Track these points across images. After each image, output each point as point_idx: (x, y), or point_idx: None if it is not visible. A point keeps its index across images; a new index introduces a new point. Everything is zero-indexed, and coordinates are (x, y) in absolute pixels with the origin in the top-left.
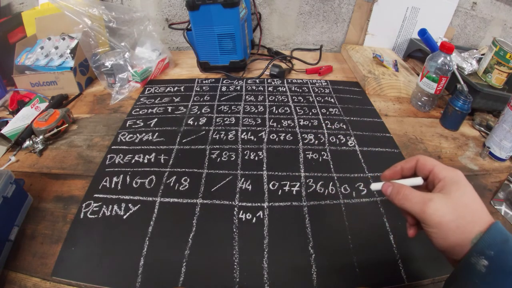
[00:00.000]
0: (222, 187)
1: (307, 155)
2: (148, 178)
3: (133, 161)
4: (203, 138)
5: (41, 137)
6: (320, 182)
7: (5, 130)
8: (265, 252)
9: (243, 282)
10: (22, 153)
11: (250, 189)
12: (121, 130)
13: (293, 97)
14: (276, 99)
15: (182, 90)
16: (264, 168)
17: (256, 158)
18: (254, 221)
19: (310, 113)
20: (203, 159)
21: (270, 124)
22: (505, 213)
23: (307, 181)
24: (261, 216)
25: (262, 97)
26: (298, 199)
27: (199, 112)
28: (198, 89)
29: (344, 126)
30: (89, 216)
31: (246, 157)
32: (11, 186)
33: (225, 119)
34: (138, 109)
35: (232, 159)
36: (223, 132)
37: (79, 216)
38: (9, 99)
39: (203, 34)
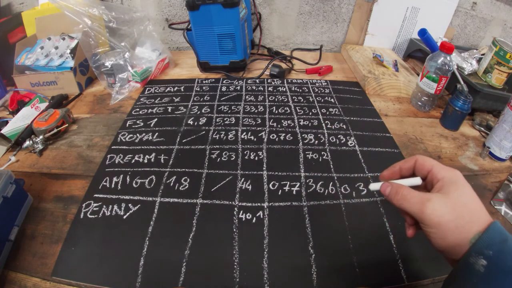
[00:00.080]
0: (222, 187)
1: (307, 155)
2: (148, 178)
3: (133, 161)
4: (203, 138)
5: (41, 137)
6: (320, 182)
7: (5, 130)
8: (265, 252)
9: (243, 282)
10: (22, 153)
11: (250, 189)
12: (121, 130)
13: (293, 97)
14: (276, 99)
15: (182, 90)
16: (264, 168)
17: (256, 158)
18: (254, 221)
19: (310, 113)
20: (203, 159)
21: (270, 124)
22: (505, 213)
23: (307, 181)
24: (261, 216)
25: (262, 97)
26: (298, 199)
27: (199, 112)
28: (198, 89)
29: (344, 126)
30: (89, 216)
31: (246, 157)
32: (11, 186)
33: (225, 119)
34: (138, 109)
35: (232, 159)
36: (223, 132)
37: (79, 216)
38: (9, 99)
39: (203, 34)
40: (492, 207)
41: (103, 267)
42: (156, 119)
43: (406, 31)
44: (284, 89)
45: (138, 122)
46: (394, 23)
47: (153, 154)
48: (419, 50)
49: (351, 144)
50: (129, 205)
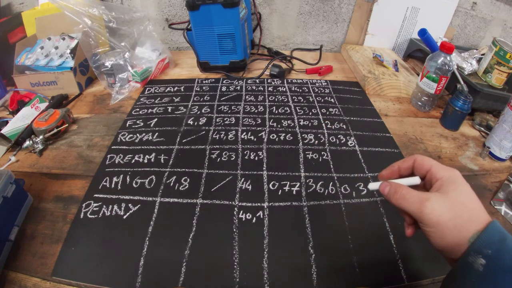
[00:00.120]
0: (222, 187)
1: (307, 155)
2: (148, 178)
3: (133, 161)
4: (203, 138)
5: (41, 137)
6: (320, 182)
7: (5, 130)
8: (265, 252)
9: (243, 282)
10: (22, 153)
11: (250, 189)
12: (121, 130)
13: (293, 97)
14: (276, 99)
15: (182, 90)
16: (264, 168)
17: (256, 158)
18: (254, 221)
19: (310, 113)
20: (203, 159)
21: (270, 124)
22: (505, 213)
23: (307, 181)
24: (261, 216)
25: (262, 97)
26: (298, 199)
27: (199, 112)
28: (198, 89)
29: (344, 126)
30: (89, 216)
31: (246, 157)
32: (11, 186)
33: (225, 119)
34: (138, 109)
35: (232, 159)
36: (223, 132)
37: (79, 216)
38: (9, 99)
39: (203, 34)
40: (492, 207)
41: (103, 267)
42: (156, 119)
43: (406, 31)
44: (284, 89)
45: (138, 122)
46: (394, 23)
47: (153, 154)
48: (419, 50)
49: (351, 144)
50: (129, 205)
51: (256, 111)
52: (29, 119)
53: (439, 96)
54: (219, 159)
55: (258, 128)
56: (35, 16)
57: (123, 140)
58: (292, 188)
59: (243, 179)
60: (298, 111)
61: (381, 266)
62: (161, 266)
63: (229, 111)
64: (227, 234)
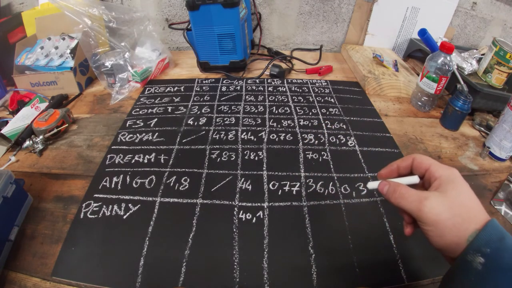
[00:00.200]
0: (222, 187)
1: (307, 155)
2: (148, 178)
3: (133, 161)
4: (203, 138)
5: (41, 137)
6: (320, 182)
7: (5, 130)
8: (265, 252)
9: (243, 282)
10: (22, 153)
11: (250, 189)
12: (121, 130)
13: (293, 97)
14: (276, 99)
15: (182, 90)
16: (264, 168)
17: (256, 158)
18: (254, 221)
19: (310, 113)
20: (203, 159)
21: (270, 124)
22: (505, 213)
23: (307, 181)
24: (261, 216)
25: (262, 97)
26: (298, 199)
27: (199, 112)
28: (198, 89)
29: (344, 126)
30: (89, 216)
31: (246, 157)
32: (11, 186)
33: (225, 119)
34: (138, 109)
35: (232, 159)
36: (223, 132)
37: (79, 216)
38: (9, 99)
39: (203, 34)
40: (492, 207)
41: (103, 267)
42: (156, 119)
43: (406, 31)
44: (284, 89)
45: (138, 122)
46: (394, 23)
47: (153, 154)
48: (419, 50)
49: (351, 144)
50: (129, 205)
51: (256, 111)
52: (29, 119)
53: (439, 96)
54: (219, 159)
55: (258, 128)
56: (35, 16)
57: (123, 140)
58: (292, 188)
59: (243, 179)
60: (298, 111)
61: (381, 266)
62: (161, 266)
63: (229, 111)
64: (227, 234)
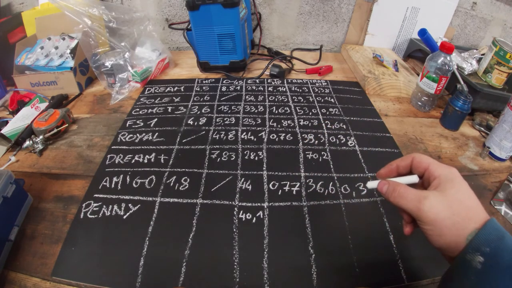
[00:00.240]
0: (222, 187)
1: (307, 155)
2: (148, 178)
3: (133, 161)
4: (203, 138)
5: (41, 137)
6: (320, 182)
7: (5, 130)
8: (265, 252)
9: (243, 282)
10: (22, 153)
11: (250, 189)
12: (121, 130)
13: (293, 97)
14: (276, 99)
15: (182, 90)
16: (264, 168)
17: (256, 158)
18: (254, 221)
19: (310, 113)
20: (203, 159)
21: (270, 124)
22: (505, 213)
23: (307, 181)
24: (261, 216)
25: (262, 97)
26: (298, 199)
27: (199, 112)
28: (198, 89)
29: (344, 126)
30: (89, 216)
31: (246, 157)
32: (11, 186)
33: (225, 119)
34: (138, 109)
35: (232, 159)
36: (223, 132)
37: (79, 216)
38: (9, 99)
39: (203, 34)
40: (492, 207)
41: (103, 267)
42: (156, 119)
43: (406, 31)
44: (284, 89)
45: (138, 122)
46: (394, 23)
47: (153, 154)
48: (419, 50)
49: (351, 144)
50: (129, 205)
51: (256, 111)
52: (29, 119)
53: (439, 96)
54: (219, 159)
55: (258, 128)
56: (35, 16)
57: (123, 140)
58: (292, 188)
59: (243, 179)
60: (298, 111)
61: (381, 266)
62: (161, 266)
63: (229, 111)
64: (227, 234)
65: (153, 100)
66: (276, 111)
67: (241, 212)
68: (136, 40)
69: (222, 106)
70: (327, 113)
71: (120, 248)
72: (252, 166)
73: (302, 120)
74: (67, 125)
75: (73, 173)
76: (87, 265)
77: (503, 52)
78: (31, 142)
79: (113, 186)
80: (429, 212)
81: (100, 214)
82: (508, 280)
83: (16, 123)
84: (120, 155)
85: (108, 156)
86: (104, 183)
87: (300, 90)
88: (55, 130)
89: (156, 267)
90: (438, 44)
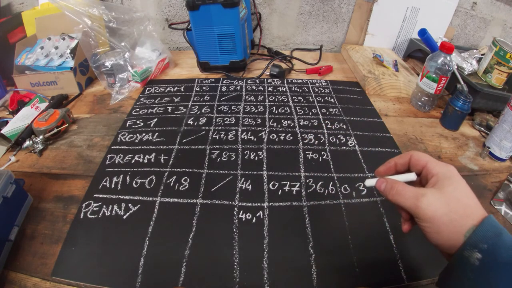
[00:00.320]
0: (222, 187)
1: (307, 155)
2: (148, 178)
3: (133, 161)
4: (203, 138)
5: (41, 137)
6: (320, 182)
7: (5, 130)
8: (265, 252)
9: (243, 282)
10: (22, 153)
11: (250, 189)
12: (121, 130)
13: (293, 97)
14: (276, 99)
15: (182, 90)
16: (264, 168)
17: (256, 158)
18: (254, 221)
19: (310, 113)
20: (203, 159)
21: (270, 124)
22: (505, 213)
23: (307, 181)
24: (261, 216)
25: (262, 97)
26: (298, 199)
27: (199, 112)
28: (198, 89)
29: (344, 126)
30: (89, 216)
31: (246, 157)
32: (11, 186)
33: (225, 119)
34: (138, 109)
35: (232, 159)
36: (223, 132)
37: (79, 216)
38: (9, 99)
39: (203, 34)
40: (492, 207)
41: (103, 267)
42: (156, 119)
43: (406, 31)
44: (284, 89)
45: (138, 122)
46: (394, 23)
47: (153, 154)
48: (419, 50)
49: (351, 144)
50: (129, 205)
51: (256, 111)
52: (29, 119)
53: (439, 96)
54: (219, 159)
55: (258, 128)
56: (35, 16)
57: (123, 140)
58: (292, 188)
59: (243, 179)
60: (298, 111)
61: (381, 266)
62: (161, 266)
63: (229, 111)
64: (227, 234)
65: (153, 100)
66: (276, 111)
67: (241, 212)
68: (136, 40)
69: (222, 106)
70: (327, 113)
71: (120, 248)
72: (252, 166)
73: (302, 120)
74: (67, 125)
75: (73, 173)
76: (87, 265)
77: (503, 52)
78: (31, 142)
79: (113, 186)
80: (427, 210)
81: (100, 214)
82: (506, 277)
83: (16, 123)
84: (120, 155)
85: (108, 156)
86: (104, 183)
87: (300, 90)
88: (55, 130)
89: (156, 267)
90: (438, 44)
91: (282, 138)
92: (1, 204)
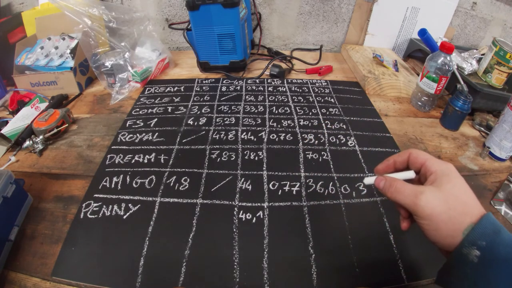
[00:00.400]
0: (222, 187)
1: (307, 155)
2: (148, 178)
3: (133, 161)
4: (203, 138)
5: (41, 137)
6: (320, 182)
7: (5, 130)
8: (265, 252)
9: (243, 282)
10: (22, 153)
11: (250, 189)
12: (121, 130)
13: (293, 97)
14: (276, 99)
15: (182, 90)
16: (264, 168)
17: (256, 158)
18: (254, 221)
19: (310, 113)
20: (203, 159)
21: (270, 124)
22: (505, 213)
23: (307, 181)
24: (261, 216)
25: (262, 97)
26: (298, 199)
27: (199, 112)
28: (198, 89)
29: (344, 126)
30: (89, 216)
31: (246, 157)
32: (11, 186)
33: (225, 119)
34: (138, 109)
35: (232, 159)
36: (223, 132)
37: (79, 216)
38: (9, 99)
39: (203, 34)
40: (492, 207)
41: (103, 267)
42: (156, 119)
43: (406, 31)
44: (284, 89)
45: (138, 122)
46: (394, 23)
47: (153, 154)
48: (419, 50)
49: (351, 144)
50: (129, 205)
51: (256, 111)
52: (29, 119)
53: (439, 96)
54: (219, 159)
55: (258, 128)
56: (35, 16)
57: (123, 140)
58: (292, 188)
59: (243, 179)
60: (298, 111)
61: (381, 266)
62: (161, 266)
63: (229, 111)
64: (227, 234)
65: (153, 100)
66: (276, 111)
67: (241, 212)
68: (136, 40)
69: (222, 106)
70: (327, 113)
71: (120, 248)
72: (252, 166)
73: (302, 120)
74: (67, 125)
75: (73, 173)
76: (87, 265)
77: (503, 52)
78: (31, 142)
79: (113, 186)
80: (426, 207)
81: (100, 214)
82: (504, 274)
83: (16, 123)
84: (120, 155)
85: (108, 156)
86: (104, 183)
87: (300, 90)
88: (55, 130)
89: (156, 267)
90: (438, 44)
91: (282, 138)
92: (1, 204)
